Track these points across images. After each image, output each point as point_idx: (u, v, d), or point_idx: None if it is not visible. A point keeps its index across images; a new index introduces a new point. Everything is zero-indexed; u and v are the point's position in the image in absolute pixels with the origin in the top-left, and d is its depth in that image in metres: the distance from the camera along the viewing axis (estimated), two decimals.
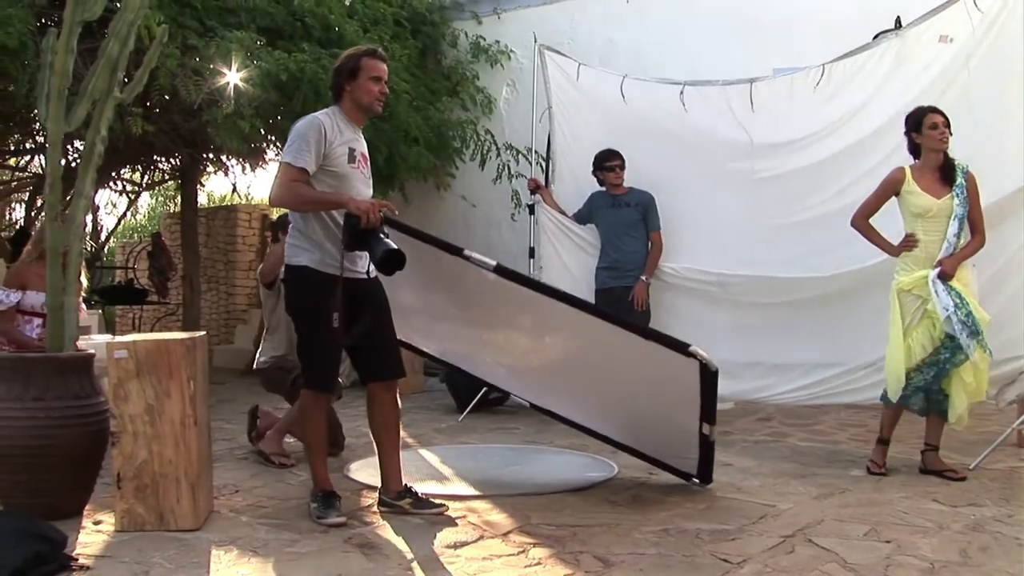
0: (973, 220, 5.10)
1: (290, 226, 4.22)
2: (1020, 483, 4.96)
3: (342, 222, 4.00)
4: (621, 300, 6.44)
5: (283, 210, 5.12)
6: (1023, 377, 5.45)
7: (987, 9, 5.58)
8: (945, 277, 4.95)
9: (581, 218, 6.83)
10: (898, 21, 6.12)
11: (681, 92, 6.51)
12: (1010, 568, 3.56)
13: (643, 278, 6.48)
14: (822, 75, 6.09)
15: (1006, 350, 5.41)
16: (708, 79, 6.67)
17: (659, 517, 4.26)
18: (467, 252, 4.30)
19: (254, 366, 5.78)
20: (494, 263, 4.28)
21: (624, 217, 6.58)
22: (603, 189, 6.70)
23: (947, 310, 4.89)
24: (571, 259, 6.84)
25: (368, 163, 4.30)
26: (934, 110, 5.13)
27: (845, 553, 3.69)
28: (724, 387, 6.22)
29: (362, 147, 4.25)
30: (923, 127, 5.11)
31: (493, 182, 8.45)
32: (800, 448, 5.96)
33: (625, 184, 6.65)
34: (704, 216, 6.49)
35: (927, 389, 5.06)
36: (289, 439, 5.45)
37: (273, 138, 8.35)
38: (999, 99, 5.57)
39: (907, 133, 5.20)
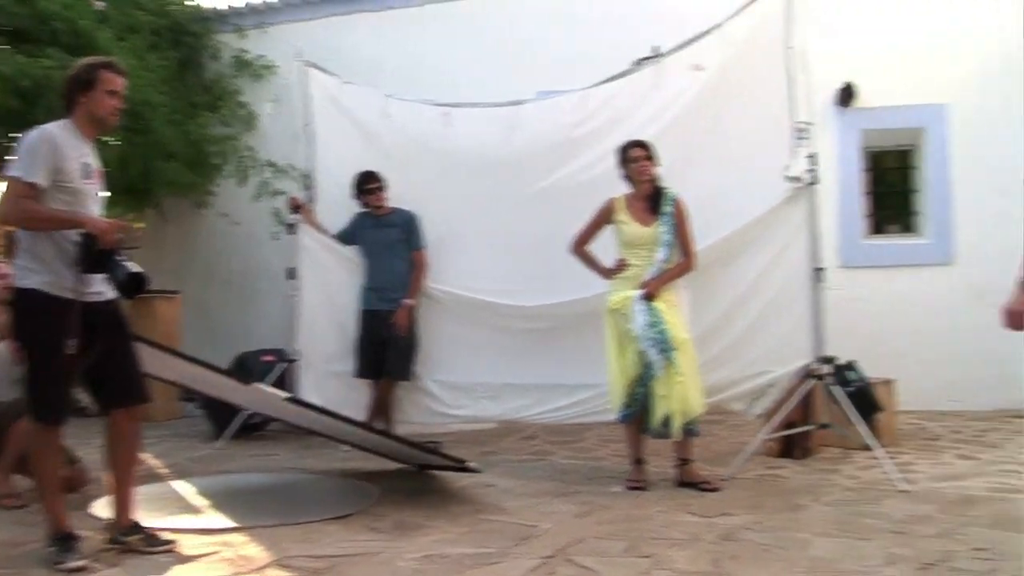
0: (683, 244, 5.40)
1: (19, 246, 3.92)
2: (768, 491, 5.20)
3: (76, 242, 3.75)
4: (386, 323, 6.35)
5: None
6: (771, 391, 5.78)
7: (738, 40, 5.87)
8: (649, 297, 5.20)
9: (344, 238, 6.71)
10: (656, 50, 6.36)
11: (445, 113, 6.53)
12: (758, 574, 3.71)
13: (406, 301, 6.43)
14: (583, 99, 6.25)
15: (755, 366, 5.72)
16: (473, 100, 6.69)
17: (421, 543, 4.21)
18: (256, 384, 4.26)
19: None
20: (285, 394, 4.25)
21: (387, 237, 6.49)
22: (367, 209, 6.62)
23: (639, 328, 5.13)
24: (335, 279, 6.69)
25: (100, 179, 4.04)
26: (636, 144, 5.43)
27: (605, 571, 3.75)
28: (487, 408, 6.36)
29: (95, 162, 4.00)
30: (627, 160, 5.39)
31: (253, 200, 8.21)
32: (563, 466, 6.05)
33: (390, 204, 6.58)
34: (470, 237, 6.49)
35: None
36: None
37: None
38: (750, 126, 5.86)
39: (619, 165, 5.47)
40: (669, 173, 5.53)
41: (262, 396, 5.26)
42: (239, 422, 6.83)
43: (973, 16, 7.46)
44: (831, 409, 5.79)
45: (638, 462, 5.40)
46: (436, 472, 5.63)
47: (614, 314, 5.31)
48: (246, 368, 6.99)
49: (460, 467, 5.18)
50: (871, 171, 8.32)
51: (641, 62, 6.30)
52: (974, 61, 7.44)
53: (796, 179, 5.67)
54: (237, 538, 4.28)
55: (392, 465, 5.82)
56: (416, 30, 8.67)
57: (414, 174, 6.64)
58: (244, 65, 9.25)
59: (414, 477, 5.68)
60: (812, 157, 5.66)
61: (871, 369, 6.40)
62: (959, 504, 4.81)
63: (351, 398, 6.42)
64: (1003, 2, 6.83)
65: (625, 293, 5.29)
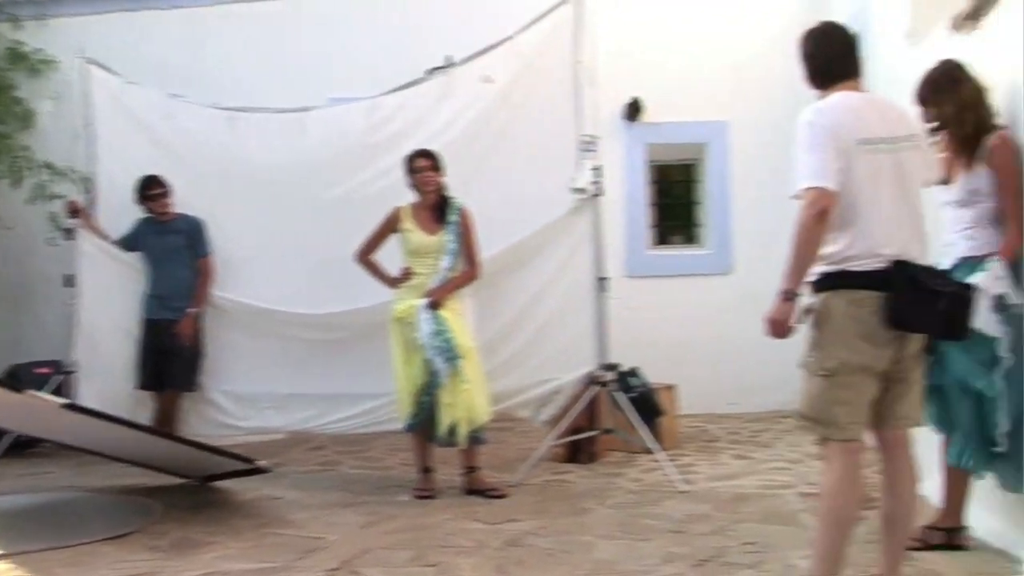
0: (468, 253, 5.50)
1: None
2: (554, 496, 5.34)
3: None
4: (169, 333, 6.15)
5: None
6: (557, 398, 5.93)
7: (527, 53, 6.00)
8: (434, 306, 5.26)
9: (126, 244, 6.44)
10: (448, 60, 6.41)
11: (231, 118, 6.40)
12: None
13: (190, 310, 6.24)
14: (373, 108, 6.24)
15: (541, 373, 5.86)
16: (264, 105, 6.58)
17: (202, 560, 4.13)
18: (32, 392, 4.03)
19: None
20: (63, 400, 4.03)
21: (170, 243, 6.28)
22: (151, 214, 6.39)
23: (425, 337, 5.20)
24: (116, 287, 6.42)
25: None
26: (422, 153, 5.51)
27: None
28: (274, 419, 6.25)
29: None
30: (413, 169, 5.47)
31: (27, 203, 7.78)
32: (351, 476, 6.04)
33: (175, 209, 6.37)
34: (257, 245, 6.34)
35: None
36: None
37: None
38: (538, 138, 6.00)
39: (405, 174, 5.53)
40: (458, 182, 5.62)
41: (35, 407, 4.96)
42: (8, 440, 6.48)
43: (752, 38, 7.87)
44: (615, 414, 6.00)
45: (426, 471, 5.44)
46: (221, 485, 5.50)
47: (399, 323, 5.36)
48: (18, 381, 6.61)
49: (250, 468, 5.08)
50: (657, 184, 8.64)
51: (433, 72, 6.35)
52: (754, 80, 7.83)
53: (581, 191, 5.85)
54: (2, 566, 4.06)
55: (175, 480, 5.65)
56: (205, 30, 8.39)
57: (199, 179, 6.45)
58: (20, 58, 8.70)
59: (197, 491, 5.55)
60: (597, 169, 5.85)
61: (655, 375, 6.66)
62: (733, 502, 5.08)
63: (133, 411, 6.16)
64: (780, 23, 7.21)
65: (410, 302, 5.33)
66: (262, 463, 5.12)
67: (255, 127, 6.42)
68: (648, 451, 5.79)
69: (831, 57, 3.37)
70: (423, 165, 5.45)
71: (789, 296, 3.17)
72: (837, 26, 3.54)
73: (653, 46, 7.97)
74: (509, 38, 5.98)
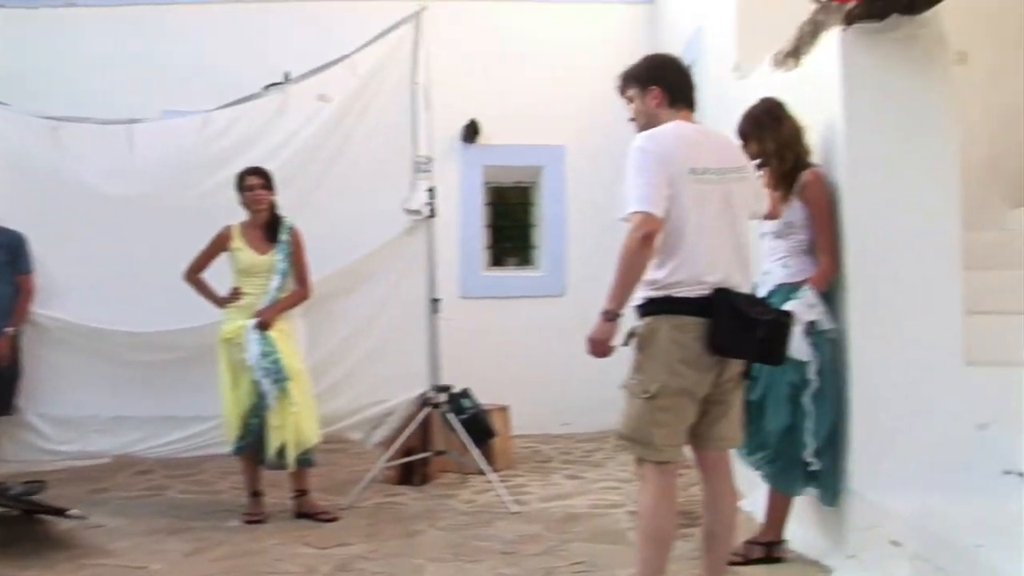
0: (299, 273, 5.46)
1: None
2: (385, 518, 5.35)
3: None
4: None
5: None
6: (389, 419, 5.92)
7: (365, 72, 6.00)
8: (263, 326, 5.21)
9: None
10: (287, 76, 6.33)
11: (55, 127, 6.11)
12: None
13: (7, 329, 5.92)
14: (206, 122, 6.08)
15: (373, 394, 5.85)
16: (94, 115, 6.30)
17: None
18: None
19: None
20: None
21: None
22: None
23: (253, 358, 5.14)
24: None
25: None
26: (253, 171, 5.45)
27: None
28: (98, 442, 6.00)
29: None
30: (244, 187, 5.41)
31: None
32: (178, 501, 5.88)
33: None
34: (81, 261, 6.03)
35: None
36: None
37: None
38: (375, 157, 6.01)
39: (236, 192, 5.45)
40: (293, 201, 5.58)
41: None
42: None
43: (589, 64, 8.04)
44: (448, 436, 6.03)
45: (255, 494, 5.35)
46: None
47: (227, 344, 5.26)
48: None
49: (60, 515, 4.84)
50: (493, 205, 8.77)
51: (270, 88, 6.26)
52: (589, 106, 7.99)
53: (416, 212, 5.89)
54: None
55: None
56: (32, 34, 8.05)
57: (20, 191, 6.10)
58: None
59: (12, 521, 5.25)
60: (431, 191, 5.90)
61: (489, 396, 6.71)
62: (564, 522, 5.19)
63: None
64: (616, 51, 7.40)
65: (239, 322, 5.25)
66: (73, 512, 4.86)
67: (80, 138, 6.13)
68: (481, 472, 5.84)
69: (678, 85, 3.48)
70: (254, 183, 5.38)
71: (611, 316, 3.27)
72: (678, 59, 3.68)
73: (492, 69, 8.10)
74: (347, 56, 5.96)
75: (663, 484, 3.33)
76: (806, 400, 4.01)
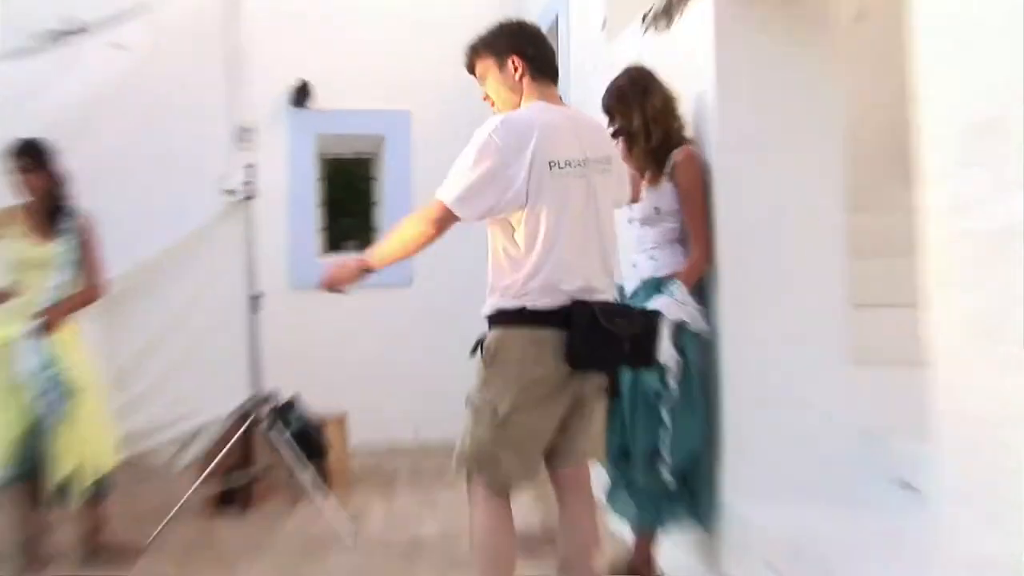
0: (90, 268, 5.05)
1: None
2: (200, 553, 5.13)
3: None
4: None
5: None
6: (202, 436, 5.71)
7: (170, 28, 5.76)
8: (46, 330, 4.80)
9: None
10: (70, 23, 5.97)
11: None
12: None
13: None
14: None
15: (183, 408, 5.64)
16: None
17: None
18: None
19: None
20: None
21: None
22: None
23: (31, 371, 4.75)
24: None
25: None
26: (23, 150, 4.95)
27: None
28: None
29: None
30: (11, 169, 4.94)
31: None
32: None
33: None
34: None
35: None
36: None
37: None
38: (186, 129, 5.82)
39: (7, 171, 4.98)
40: (83, 180, 5.16)
41: None
42: None
43: (434, 19, 7.93)
44: (274, 452, 5.83)
45: (32, 536, 4.96)
46: None
47: None
48: None
49: None
50: (329, 180, 8.50)
51: (55, 37, 5.90)
52: (440, 67, 7.78)
53: (232, 192, 5.66)
54: None
55: None
56: None
57: None
58: None
59: None
60: (250, 168, 5.66)
61: (325, 402, 6.52)
62: (409, 551, 5.08)
63: None
64: (472, 9, 7.29)
65: (10, 328, 4.88)
66: None
67: None
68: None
69: (541, 54, 3.41)
70: (19, 166, 4.93)
71: (364, 271, 3.35)
72: (536, 25, 3.58)
73: (326, 24, 7.88)
74: (143, 5, 5.64)
75: (500, 503, 3.26)
76: (663, 411, 3.89)
